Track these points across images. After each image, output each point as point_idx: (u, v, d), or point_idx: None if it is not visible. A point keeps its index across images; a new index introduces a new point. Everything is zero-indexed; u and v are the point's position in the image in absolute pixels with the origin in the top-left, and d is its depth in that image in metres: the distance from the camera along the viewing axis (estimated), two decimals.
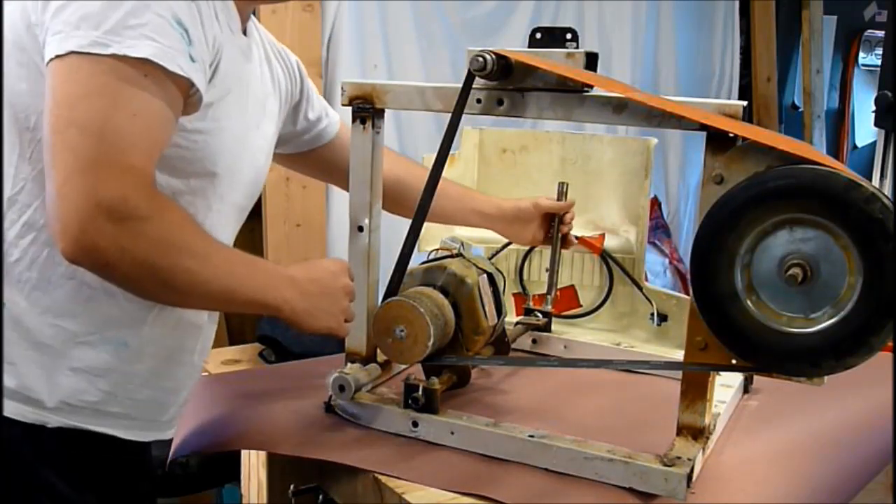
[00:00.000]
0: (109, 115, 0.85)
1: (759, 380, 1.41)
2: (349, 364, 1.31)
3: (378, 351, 1.35)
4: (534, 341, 1.58)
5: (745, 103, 1.06)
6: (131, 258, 0.86)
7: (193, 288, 0.92)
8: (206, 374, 1.51)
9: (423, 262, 1.37)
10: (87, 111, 0.84)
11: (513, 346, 1.48)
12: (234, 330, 2.46)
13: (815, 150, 1.01)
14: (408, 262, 1.24)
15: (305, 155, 1.38)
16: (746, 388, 1.42)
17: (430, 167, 1.20)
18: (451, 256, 1.35)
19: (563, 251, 1.62)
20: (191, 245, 0.91)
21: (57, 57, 0.86)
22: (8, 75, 0.94)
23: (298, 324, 1.07)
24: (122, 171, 0.84)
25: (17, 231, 0.97)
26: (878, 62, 3.78)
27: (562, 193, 1.59)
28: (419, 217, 1.19)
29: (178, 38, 0.88)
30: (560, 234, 1.56)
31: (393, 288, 1.24)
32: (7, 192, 0.96)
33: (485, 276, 1.33)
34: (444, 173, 1.75)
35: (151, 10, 0.86)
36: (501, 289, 1.40)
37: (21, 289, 0.97)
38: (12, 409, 0.97)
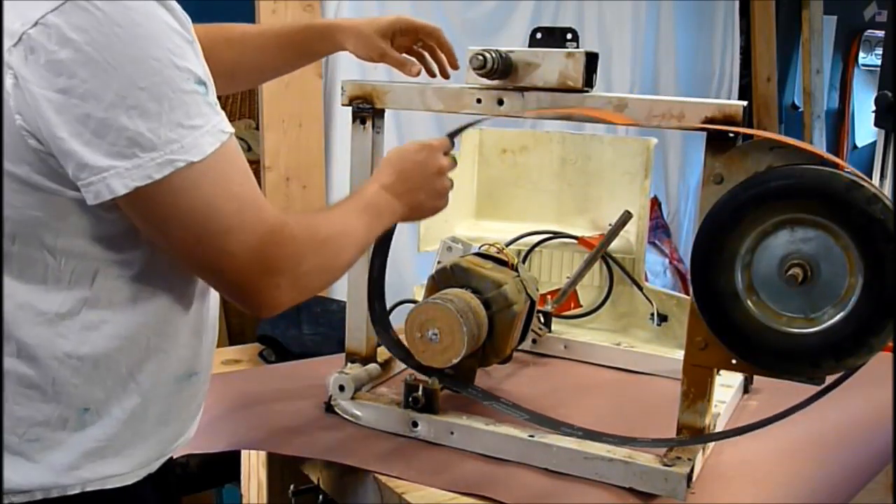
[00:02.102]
0: (219, 200, 0.83)
1: (759, 380, 1.41)
2: (349, 364, 1.32)
3: (378, 351, 1.35)
4: (534, 341, 1.58)
5: (745, 103, 1.06)
6: (313, 289, 0.95)
7: (350, 264, 1.02)
8: None
9: (477, 254, 1.35)
10: (204, 215, 0.82)
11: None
12: (234, 330, 2.46)
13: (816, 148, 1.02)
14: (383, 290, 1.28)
15: None
16: (746, 388, 1.42)
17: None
18: (503, 263, 1.32)
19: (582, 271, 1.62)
20: (334, 242, 0.97)
21: (128, 194, 0.79)
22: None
23: (407, 220, 1.15)
24: (259, 239, 0.85)
25: (101, 345, 0.88)
26: (878, 62, 3.78)
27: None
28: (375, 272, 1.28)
29: (204, 101, 0.82)
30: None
31: (375, 318, 1.28)
32: (56, 308, 0.86)
33: (529, 302, 1.32)
34: None
35: (181, 90, 0.79)
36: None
37: (112, 389, 0.90)
38: (118, 481, 0.92)
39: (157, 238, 0.86)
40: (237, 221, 0.84)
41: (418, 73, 1.23)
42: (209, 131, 0.81)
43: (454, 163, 1.19)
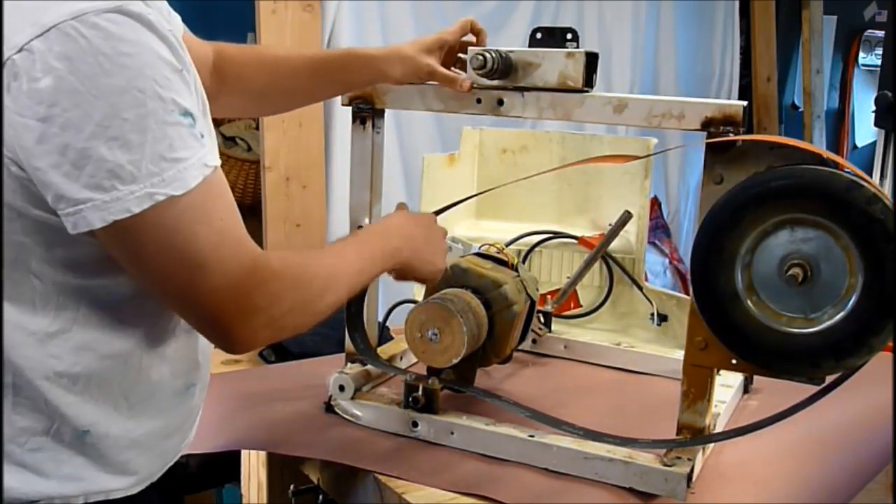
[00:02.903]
0: (199, 236, 0.81)
1: (759, 380, 1.41)
2: (349, 364, 1.32)
3: (377, 351, 1.35)
4: (534, 341, 1.58)
5: (745, 103, 1.06)
6: (291, 328, 0.92)
7: (339, 304, 0.99)
8: None
9: (477, 254, 1.34)
10: (182, 250, 0.80)
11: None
12: None
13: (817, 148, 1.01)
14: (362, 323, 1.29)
15: None
16: (746, 388, 1.42)
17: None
18: (503, 263, 1.32)
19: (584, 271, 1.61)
20: (320, 283, 0.94)
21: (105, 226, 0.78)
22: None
23: (407, 273, 1.14)
24: (236, 276, 0.83)
25: (93, 365, 0.88)
26: (878, 62, 3.78)
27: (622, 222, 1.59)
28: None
29: (189, 133, 0.79)
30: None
31: (359, 350, 1.28)
32: (45, 328, 0.85)
33: (529, 302, 1.32)
34: (444, 173, 1.76)
35: (165, 122, 0.77)
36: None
37: (108, 409, 0.90)
38: (122, 492, 0.93)
39: (131, 269, 0.84)
40: (214, 258, 0.81)
41: (470, 89, 1.18)
42: (193, 164, 0.79)
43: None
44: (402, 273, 1.13)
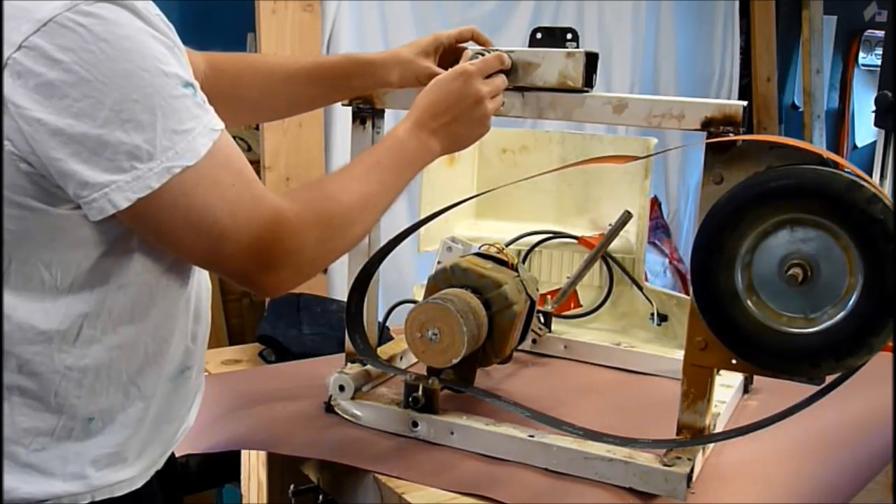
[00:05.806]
0: (214, 206, 0.83)
1: (759, 380, 1.41)
2: (349, 364, 1.32)
3: (377, 351, 1.35)
4: (534, 341, 1.58)
5: (745, 103, 1.06)
6: (319, 269, 0.96)
7: (364, 234, 1.02)
8: (206, 373, 1.52)
9: (477, 254, 1.34)
10: (200, 220, 0.82)
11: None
12: (234, 330, 2.46)
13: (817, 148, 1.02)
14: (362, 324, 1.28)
15: None
16: (746, 388, 1.42)
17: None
18: (503, 263, 1.32)
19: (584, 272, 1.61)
20: (342, 219, 0.95)
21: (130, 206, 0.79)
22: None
23: (449, 152, 1.11)
24: (254, 238, 0.85)
25: (101, 356, 0.88)
26: (878, 62, 3.78)
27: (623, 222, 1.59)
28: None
29: (193, 103, 0.82)
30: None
31: (359, 350, 1.29)
32: (56, 326, 0.85)
33: (529, 302, 1.32)
34: (444, 173, 1.76)
35: (172, 97, 0.79)
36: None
37: (118, 396, 0.91)
38: (127, 486, 0.93)
39: (159, 244, 0.87)
40: (230, 224, 0.83)
41: None
42: (201, 132, 0.81)
43: (503, 81, 1.13)
44: (455, 149, 1.11)
